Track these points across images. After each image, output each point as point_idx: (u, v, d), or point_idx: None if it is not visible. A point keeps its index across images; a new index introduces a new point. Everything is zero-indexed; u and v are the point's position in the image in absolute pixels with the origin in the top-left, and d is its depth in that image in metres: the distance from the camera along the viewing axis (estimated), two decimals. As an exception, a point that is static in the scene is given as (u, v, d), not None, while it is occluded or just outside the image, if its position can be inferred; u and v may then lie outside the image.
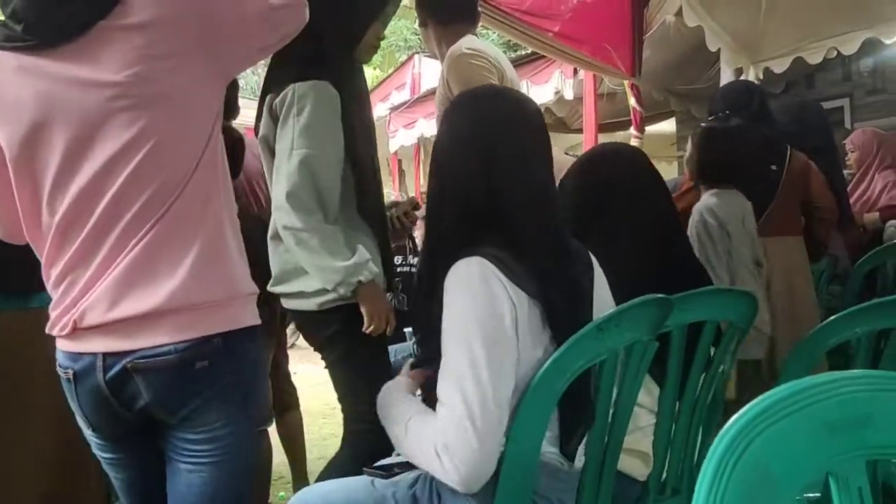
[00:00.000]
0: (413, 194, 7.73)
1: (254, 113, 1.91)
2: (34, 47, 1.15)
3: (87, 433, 1.30)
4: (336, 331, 1.80)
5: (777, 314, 2.49)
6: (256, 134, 1.89)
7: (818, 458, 0.61)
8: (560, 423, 1.23)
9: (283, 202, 1.71)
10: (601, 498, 1.33)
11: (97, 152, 1.15)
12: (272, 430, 2.63)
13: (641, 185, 1.69)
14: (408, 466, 1.31)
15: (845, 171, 3.76)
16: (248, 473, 1.31)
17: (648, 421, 1.49)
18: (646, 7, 4.83)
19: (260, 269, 2.29)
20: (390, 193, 8.04)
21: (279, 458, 2.77)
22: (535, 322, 1.18)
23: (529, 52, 5.46)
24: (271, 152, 1.82)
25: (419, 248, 4.86)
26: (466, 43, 2.23)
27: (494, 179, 1.23)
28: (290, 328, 3.09)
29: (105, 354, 1.18)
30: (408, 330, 2.27)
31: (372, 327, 1.74)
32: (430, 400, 1.21)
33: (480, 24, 3.73)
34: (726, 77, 4.76)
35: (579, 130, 5.73)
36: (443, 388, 1.14)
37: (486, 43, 2.36)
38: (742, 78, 4.61)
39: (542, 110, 1.58)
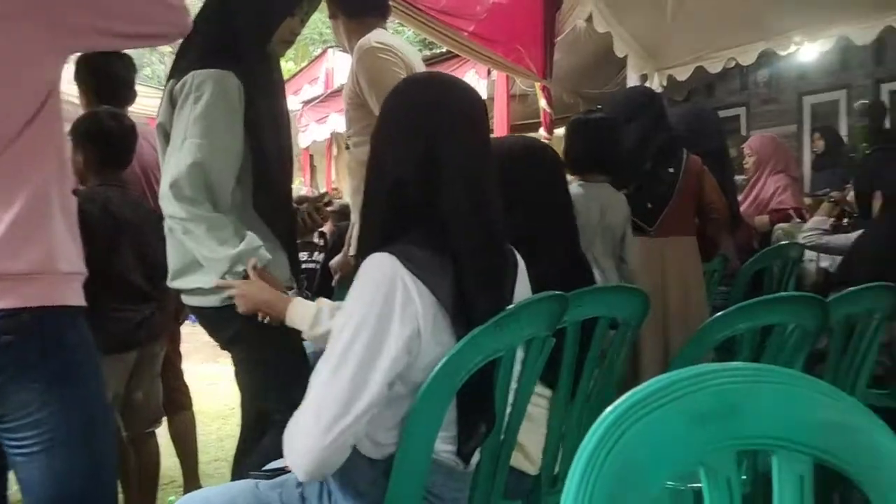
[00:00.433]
0: (325, 190, 7.63)
1: (157, 103, 1.83)
2: None
3: None
4: (241, 328, 1.71)
5: (671, 312, 2.58)
6: None
7: (688, 449, 0.62)
8: (458, 422, 1.22)
9: (167, 190, 1.64)
10: (494, 494, 1.33)
11: None
12: (164, 430, 2.54)
13: (542, 181, 1.71)
14: None
15: (741, 177, 3.94)
16: (94, 465, 1.27)
17: (538, 415, 1.51)
18: (557, 11, 4.94)
19: (148, 263, 2.22)
20: (301, 188, 7.90)
21: (171, 460, 2.68)
22: (441, 323, 1.15)
23: (444, 50, 5.48)
24: (167, 139, 1.75)
25: (327, 245, 4.81)
26: (375, 37, 2.20)
27: (436, 168, 1.19)
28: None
29: None
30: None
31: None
32: None
33: (396, 20, 3.71)
34: (632, 82, 4.92)
35: (491, 130, 5.79)
36: (314, 375, 1.12)
37: (395, 38, 2.34)
38: (647, 84, 4.77)
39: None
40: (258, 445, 1.77)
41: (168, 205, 1.65)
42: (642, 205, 2.64)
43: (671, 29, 4.55)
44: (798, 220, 3.57)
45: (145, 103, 4.06)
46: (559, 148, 2.41)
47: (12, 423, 1.20)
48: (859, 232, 2.80)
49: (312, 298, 1.58)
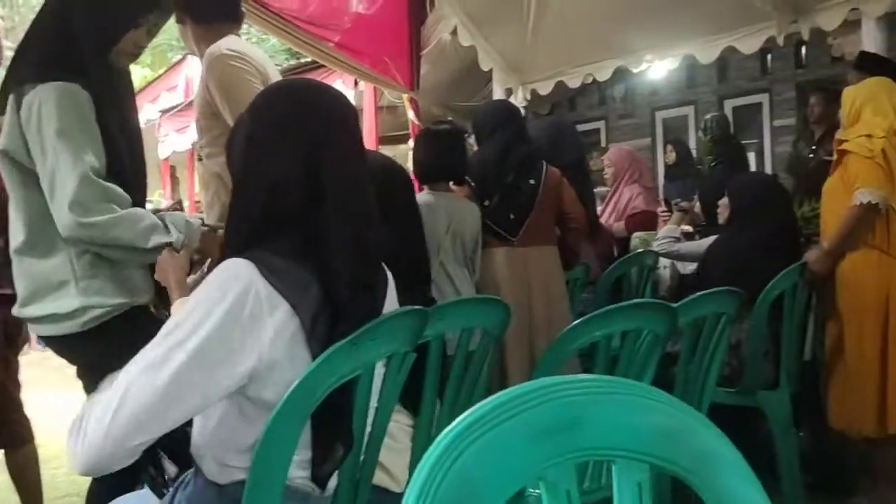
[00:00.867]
0: (187, 202, 7.30)
1: None
2: None
3: None
4: (105, 352, 1.55)
5: (536, 320, 2.64)
6: None
7: (527, 465, 0.61)
8: (313, 444, 1.16)
9: (68, 215, 1.54)
10: (355, 517, 1.29)
11: None
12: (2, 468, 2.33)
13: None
14: None
15: (602, 188, 4.12)
16: None
17: (398, 432, 1.49)
18: (423, 24, 4.99)
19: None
20: (161, 201, 7.52)
21: (14, 498, 2.46)
22: (298, 337, 1.09)
23: (311, 60, 5.39)
24: (13, 164, 1.64)
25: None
26: (226, 44, 2.10)
27: (319, 171, 1.13)
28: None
29: None
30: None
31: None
32: None
33: (259, 29, 3.58)
34: (498, 96, 5.03)
35: (361, 141, 5.76)
36: (133, 361, 1.06)
37: (248, 44, 2.25)
38: (511, 98, 4.89)
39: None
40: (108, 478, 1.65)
41: (76, 229, 1.54)
42: (505, 215, 2.71)
43: (532, 44, 4.69)
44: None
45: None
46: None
47: None
48: (710, 239, 2.97)
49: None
